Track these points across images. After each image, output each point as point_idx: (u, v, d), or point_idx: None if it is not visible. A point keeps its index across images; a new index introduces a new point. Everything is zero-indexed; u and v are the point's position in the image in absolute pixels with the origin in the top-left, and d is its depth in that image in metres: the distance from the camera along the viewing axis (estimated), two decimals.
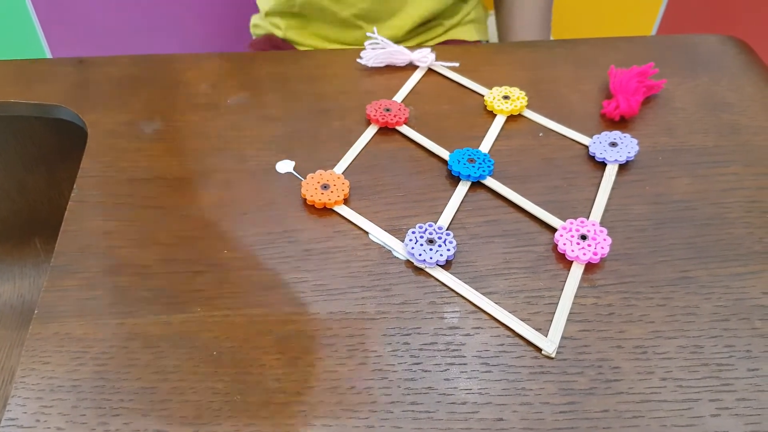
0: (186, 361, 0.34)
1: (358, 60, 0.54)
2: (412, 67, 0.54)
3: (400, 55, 0.54)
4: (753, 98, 0.51)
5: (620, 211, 0.42)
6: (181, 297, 0.37)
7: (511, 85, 0.51)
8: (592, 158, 0.46)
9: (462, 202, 0.43)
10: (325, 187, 0.43)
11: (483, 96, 0.51)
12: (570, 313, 0.37)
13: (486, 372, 0.34)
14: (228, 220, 0.42)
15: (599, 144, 0.46)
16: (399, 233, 0.41)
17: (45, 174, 0.55)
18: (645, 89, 0.50)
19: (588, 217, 0.42)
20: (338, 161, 0.46)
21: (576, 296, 0.37)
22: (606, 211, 0.42)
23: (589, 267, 0.39)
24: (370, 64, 0.54)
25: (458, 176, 0.44)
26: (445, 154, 0.46)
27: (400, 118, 0.48)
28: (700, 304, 0.37)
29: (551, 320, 0.36)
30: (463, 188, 0.44)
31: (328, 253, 0.40)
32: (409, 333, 0.36)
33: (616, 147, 0.46)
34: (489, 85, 0.52)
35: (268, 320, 0.36)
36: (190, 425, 0.32)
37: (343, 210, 0.42)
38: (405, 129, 0.48)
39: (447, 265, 0.39)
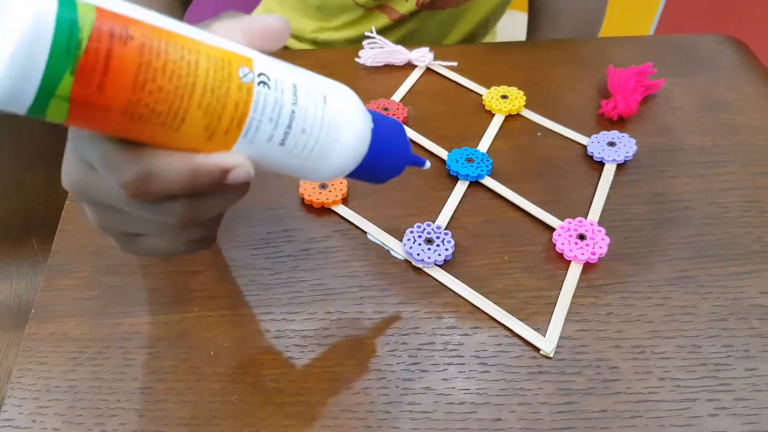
0: (183, 361, 0.34)
1: (357, 59, 0.54)
2: (410, 66, 0.54)
3: (399, 54, 0.54)
4: (751, 98, 0.51)
5: (618, 210, 0.42)
6: (178, 297, 0.37)
7: (509, 85, 0.51)
8: (590, 158, 0.46)
9: (460, 201, 0.43)
10: (323, 186, 0.43)
11: (481, 95, 0.51)
12: (568, 312, 0.36)
13: (484, 372, 0.34)
14: (225, 219, 0.42)
15: (597, 143, 0.46)
16: (397, 233, 0.40)
17: (42, 173, 0.55)
18: (643, 89, 0.50)
19: (586, 217, 0.42)
20: None
21: (574, 296, 0.37)
22: (604, 210, 0.42)
23: (588, 267, 0.39)
24: (369, 63, 0.53)
25: (456, 176, 0.44)
26: (443, 153, 0.46)
27: (398, 117, 0.48)
28: (699, 304, 0.37)
29: (549, 320, 0.36)
30: (461, 188, 0.44)
31: (327, 252, 0.40)
32: (407, 333, 0.36)
33: (615, 146, 0.46)
34: (487, 85, 0.52)
35: (265, 320, 0.36)
36: (187, 426, 0.32)
37: (342, 209, 0.42)
38: None
39: (445, 265, 0.39)
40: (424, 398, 0.33)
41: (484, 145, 0.47)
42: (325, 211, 0.42)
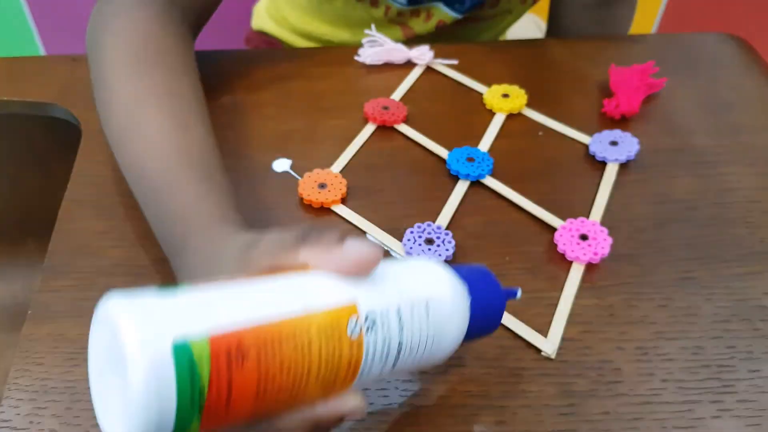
0: None
1: (356, 57, 0.54)
2: (410, 64, 0.54)
3: (399, 52, 0.53)
4: (754, 97, 0.51)
5: (621, 210, 0.42)
6: None
7: (510, 83, 0.51)
8: (592, 157, 0.46)
9: (461, 201, 0.42)
10: (322, 186, 0.42)
11: (482, 94, 0.51)
12: (570, 314, 0.36)
13: (485, 374, 0.34)
14: None
15: (599, 143, 0.46)
16: (397, 233, 0.40)
17: (38, 173, 0.54)
18: (646, 88, 0.50)
19: (588, 217, 0.41)
20: (336, 160, 0.45)
21: (576, 297, 0.37)
22: (606, 210, 0.42)
23: (590, 267, 0.39)
24: (368, 61, 0.53)
25: (457, 175, 0.44)
26: (444, 152, 0.45)
27: (398, 116, 0.48)
28: (702, 305, 0.37)
29: (551, 321, 0.36)
30: (462, 187, 0.43)
31: None
32: None
33: (617, 146, 0.45)
34: (488, 83, 0.51)
35: None
36: None
37: (341, 209, 0.42)
38: (403, 127, 0.48)
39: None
40: (424, 400, 0.33)
41: (485, 145, 0.46)
42: (324, 211, 0.42)
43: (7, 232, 0.57)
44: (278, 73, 0.53)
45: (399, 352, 0.25)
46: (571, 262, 0.39)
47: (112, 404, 0.21)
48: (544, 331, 0.35)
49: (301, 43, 0.70)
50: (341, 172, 0.44)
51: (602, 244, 0.39)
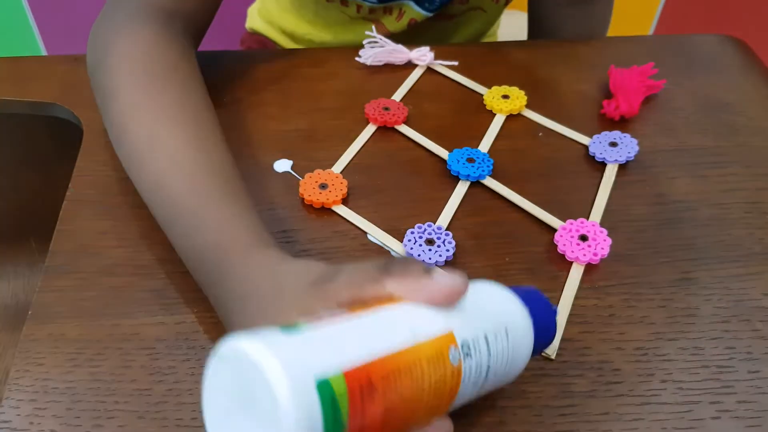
0: (182, 362, 0.34)
1: (357, 58, 0.54)
2: (411, 65, 0.54)
3: (399, 53, 0.53)
4: (752, 98, 0.51)
5: (620, 211, 0.42)
6: (177, 298, 0.37)
7: (510, 85, 0.51)
8: (591, 158, 0.46)
9: (461, 202, 0.42)
10: (323, 186, 0.42)
11: (482, 95, 0.51)
12: (570, 314, 0.36)
13: None
14: None
15: (599, 144, 0.46)
16: (398, 233, 0.40)
17: (40, 173, 0.54)
18: (645, 89, 0.50)
19: (588, 218, 0.41)
20: (336, 160, 0.45)
21: (576, 297, 0.37)
22: (606, 211, 0.42)
23: (590, 268, 0.39)
24: (369, 62, 0.53)
25: (457, 176, 0.44)
26: (444, 153, 0.45)
27: (398, 117, 0.48)
28: (701, 306, 0.37)
29: None
30: (462, 188, 0.43)
31: (327, 253, 0.39)
32: None
33: (616, 147, 0.46)
34: (488, 84, 0.51)
35: None
36: (186, 428, 0.32)
37: (342, 210, 0.42)
38: (404, 128, 0.48)
39: (446, 266, 0.39)
40: None
41: (485, 145, 0.46)
42: (325, 211, 0.42)
43: (9, 231, 0.57)
44: (279, 74, 0.53)
45: (487, 374, 0.27)
46: (570, 263, 0.39)
47: None
48: None
49: (289, 43, 0.71)
50: (342, 172, 0.44)
51: (602, 244, 0.39)
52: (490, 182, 0.44)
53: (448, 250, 0.38)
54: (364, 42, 0.53)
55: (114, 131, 0.39)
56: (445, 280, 0.26)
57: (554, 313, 0.31)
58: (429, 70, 0.54)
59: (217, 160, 0.37)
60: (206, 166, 0.36)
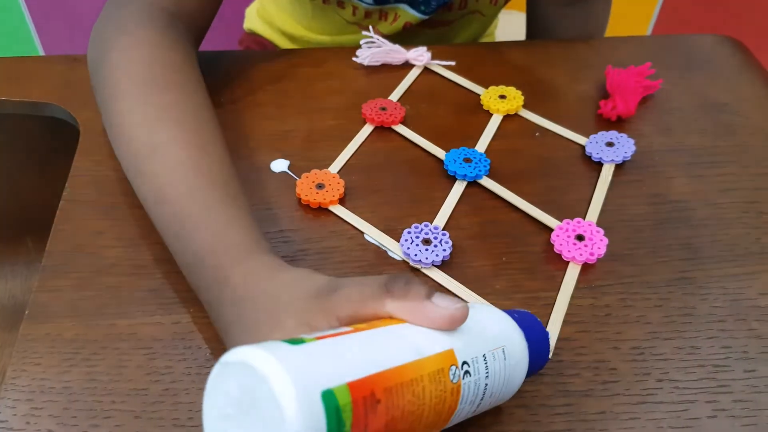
0: (179, 362, 0.34)
1: (354, 59, 0.54)
2: (408, 66, 0.54)
3: (396, 53, 0.53)
4: (749, 98, 0.51)
5: (617, 211, 0.42)
6: (173, 298, 0.37)
7: (507, 85, 0.51)
8: (588, 158, 0.46)
9: (458, 201, 0.43)
10: (320, 186, 0.42)
11: (479, 95, 0.51)
12: (566, 314, 0.36)
13: None
14: None
15: (596, 144, 0.46)
16: (395, 233, 0.40)
17: (37, 172, 0.54)
18: (642, 89, 0.50)
19: (584, 218, 0.41)
20: (333, 160, 0.45)
21: (573, 297, 0.37)
22: (602, 211, 0.42)
23: (586, 267, 0.39)
24: (366, 62, 0.53)
25: (454, 176, 0.44)
26: (441, 153, 0.46)
27: (395, 117, 0.48)
28: (697, 305, 0.37)
29: (548, 321, 0.36)
30: (459, 188, 0.43)
31: (324, 253, 0.39)
32: None
33: (613, 147, 0.46)
34: (485, 85, 0.51)
35: None
36: (183, 428, 0.32)
37: (339, 210, 0.42)
38: (401, 128, 0.48)
39: (443, 266, 0.39)
40: None
41: (482, 145, 0.46)
42: (322, 211, 0.42)
43: (6, 231, 0.57)
44: (276, 74, 0.53)
45: (484, 393, 0.27)
46: (567, 263, 0.39)
47: None
48: None
49: (287, 44, 0.71)
50: (339, 172, 0.44)
51: (598, 244, 0.39)
52: (487, 182, 0.44)
53: (444, 250, 0.39)
54: (362, 42, 0.53)
55: (114, 131, 0.39)
56: (446, 305, 0.26)
57: (547, 336, 0.32)
58: (426, 70, 0.54)
59: (217, 164, 0.37)
60: (205, 169, 0.36)
